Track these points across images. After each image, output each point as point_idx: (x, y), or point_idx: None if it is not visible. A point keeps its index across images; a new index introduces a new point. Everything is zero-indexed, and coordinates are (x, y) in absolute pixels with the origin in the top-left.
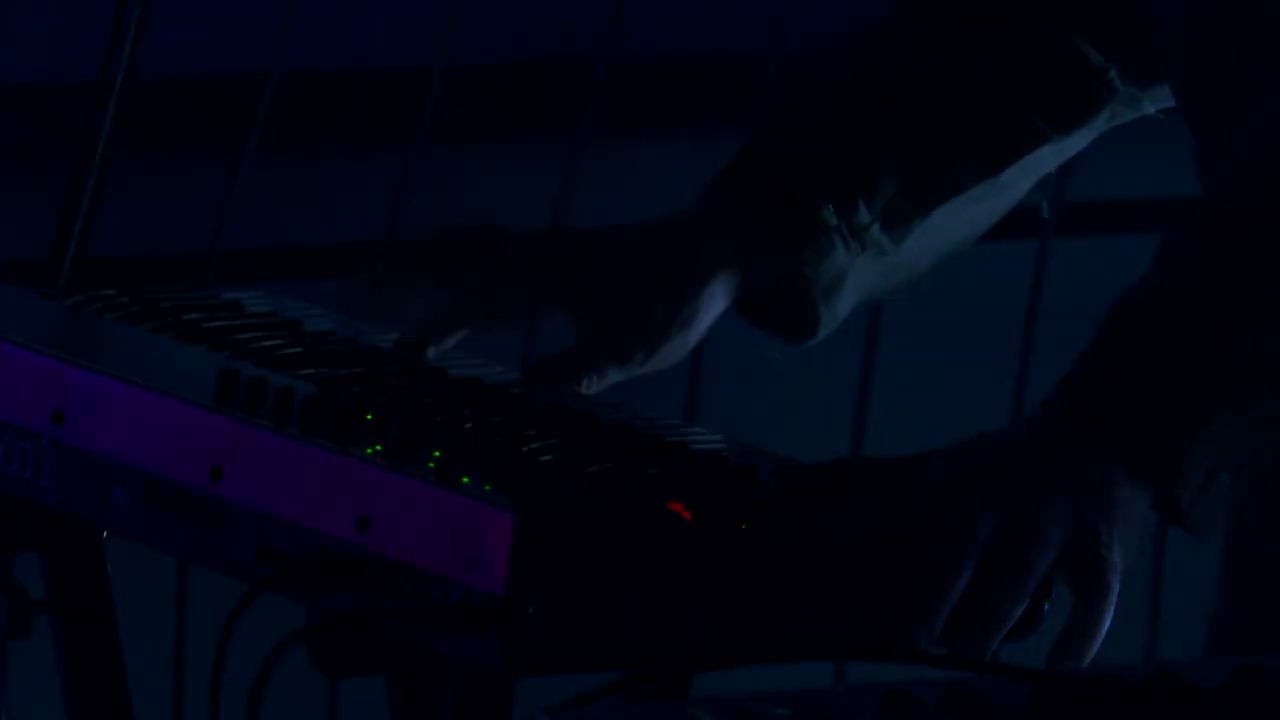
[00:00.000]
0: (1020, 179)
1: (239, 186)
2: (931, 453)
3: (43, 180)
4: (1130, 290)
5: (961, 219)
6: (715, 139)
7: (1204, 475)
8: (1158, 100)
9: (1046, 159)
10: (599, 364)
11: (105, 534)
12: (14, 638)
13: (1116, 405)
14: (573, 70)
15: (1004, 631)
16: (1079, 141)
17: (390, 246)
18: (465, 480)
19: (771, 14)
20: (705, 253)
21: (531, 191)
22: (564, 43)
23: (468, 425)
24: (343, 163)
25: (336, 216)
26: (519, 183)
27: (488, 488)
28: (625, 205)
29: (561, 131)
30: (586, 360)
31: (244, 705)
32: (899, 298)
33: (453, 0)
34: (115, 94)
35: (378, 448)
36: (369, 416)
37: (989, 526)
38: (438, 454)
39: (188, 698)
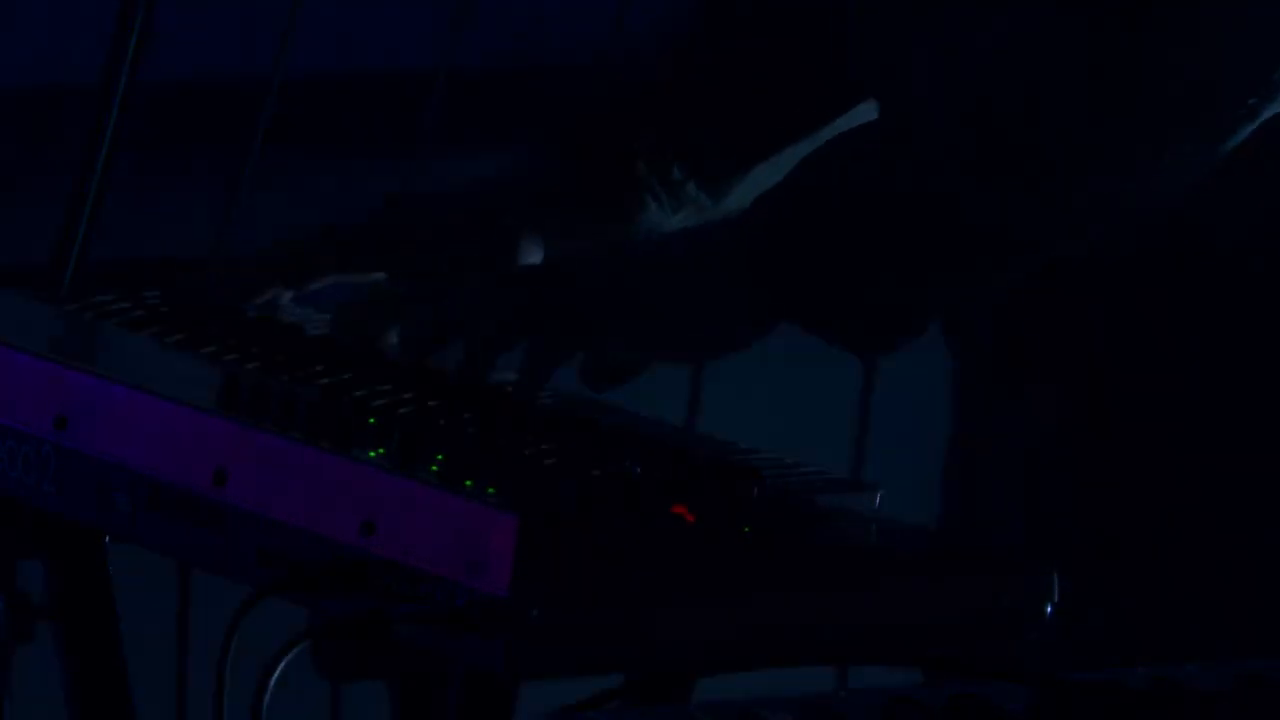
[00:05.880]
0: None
1: (242, 191)
2: None
3: (44, 185)
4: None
5: (783, 171)
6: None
7: None
8: None
9: (864, 111)
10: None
11: (108, 538)
12: (16, 643)
13: None
14: (574, 76)
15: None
16: None
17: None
18: (468, 483)
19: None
20: (516, 221)
21: None
22: (566, 48)
23: (470, 429)
24: (345, 167)
25: (338, 221)
26: None
27: (491, 491)
28: None
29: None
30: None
31: (247, 709)
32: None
33: (455, 4)
34: (118, 98)
35: (381, 451)
36: (372, 420)
37: None
38: (441, 457)
39: (190, 703)
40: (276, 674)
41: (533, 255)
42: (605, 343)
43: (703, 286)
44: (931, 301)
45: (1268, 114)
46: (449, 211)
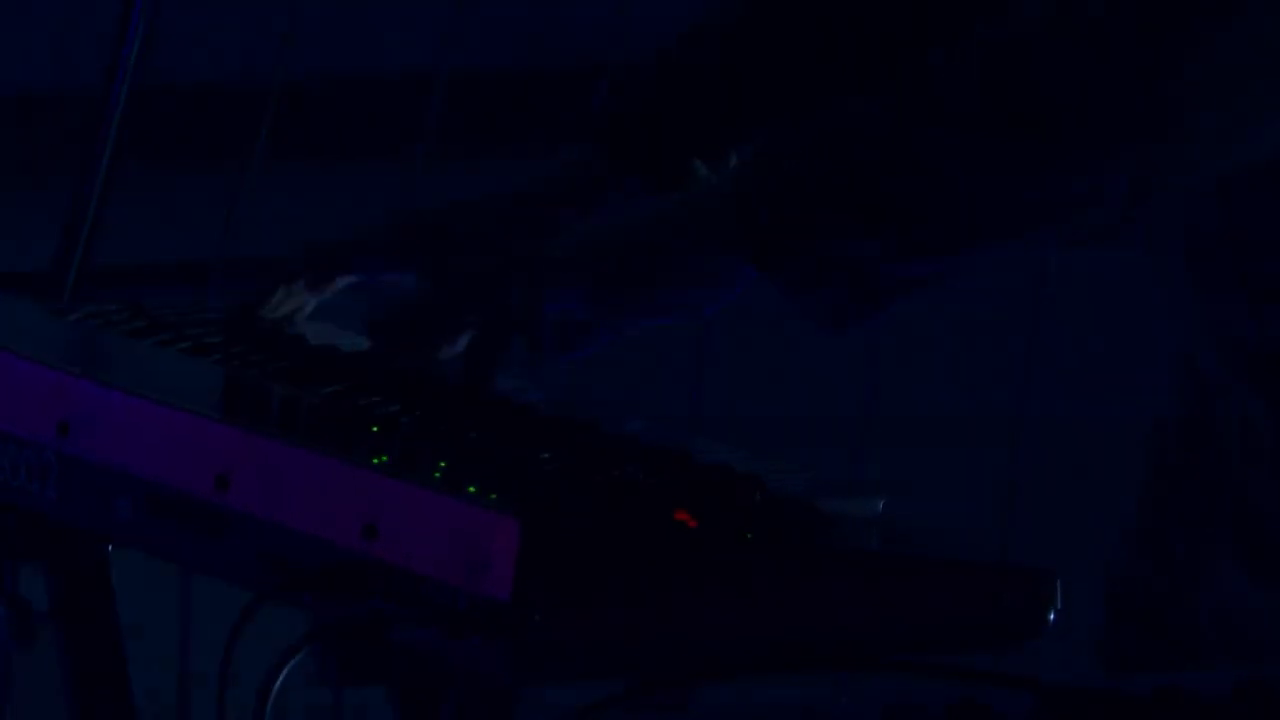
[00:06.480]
0: None
1: (244, 196)
2: None
3: (46, 191)
4: None
5: None
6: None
7: None
8: None
9: None
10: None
11: (110, 544)
12: (18, 648)
13: None
14: (577, 78)
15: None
16: None
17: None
18: (471, 489)
19: None
20: (570, 220)
21: None
22: (569, 49)
23: (473, 434)
24: (347, 171)
25: (341, 225)
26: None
27: (493, 496)
28: None
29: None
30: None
31: (249, 714)
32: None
33: (457, 7)
34: (120, 104)
35: (383, 457)
36: (375, 428)
37: None
38: (443, 463)
39: (192, 707)
40: (279, 680)
41: None
42: (571, 295)
43: (678, 238)
44: (914, 268)
45: None
46: (493, 213)
